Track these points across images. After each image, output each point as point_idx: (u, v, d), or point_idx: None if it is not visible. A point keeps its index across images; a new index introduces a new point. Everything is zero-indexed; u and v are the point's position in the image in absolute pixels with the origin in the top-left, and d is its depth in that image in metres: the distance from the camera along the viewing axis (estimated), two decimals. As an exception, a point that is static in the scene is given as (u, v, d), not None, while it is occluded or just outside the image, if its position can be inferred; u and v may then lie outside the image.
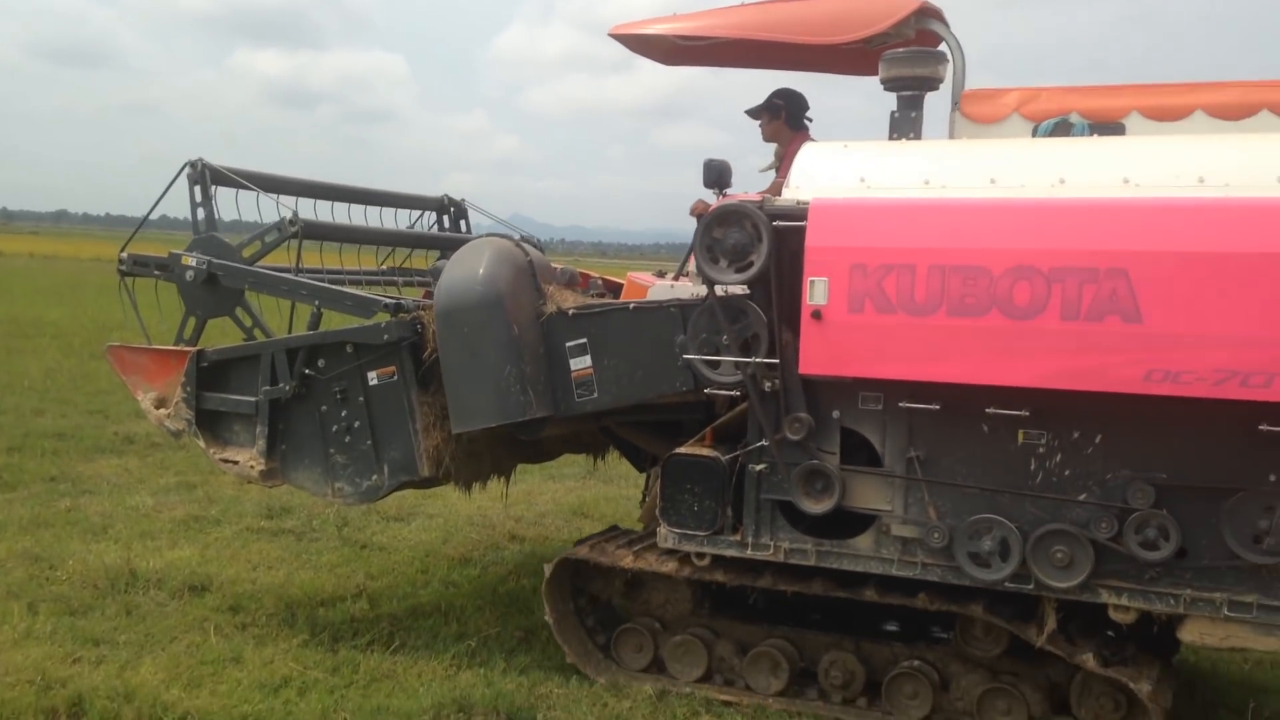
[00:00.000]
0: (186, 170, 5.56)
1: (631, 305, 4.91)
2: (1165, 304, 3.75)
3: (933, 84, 5.16)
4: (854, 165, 4.43)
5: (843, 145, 4.60)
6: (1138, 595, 4.05)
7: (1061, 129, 4.88)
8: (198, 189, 5.53)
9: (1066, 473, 4.12)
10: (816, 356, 4.26)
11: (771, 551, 4.59)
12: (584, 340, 4.95)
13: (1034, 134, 4.89)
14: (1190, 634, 4.02)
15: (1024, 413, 4.11)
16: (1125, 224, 3.83)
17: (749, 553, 4.64)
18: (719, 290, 4.47)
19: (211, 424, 5.53)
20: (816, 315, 4.21)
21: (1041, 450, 4.15)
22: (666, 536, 4.78)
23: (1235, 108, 4.83)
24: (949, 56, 5.16)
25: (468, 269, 4.98)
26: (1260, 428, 3.76)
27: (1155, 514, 3.97)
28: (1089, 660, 4.23)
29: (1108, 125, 4.85)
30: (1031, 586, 4.17)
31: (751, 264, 4.33)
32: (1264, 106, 4.81)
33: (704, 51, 5.86)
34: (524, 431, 5.07)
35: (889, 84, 5.11)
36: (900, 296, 4.09)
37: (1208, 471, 3.95)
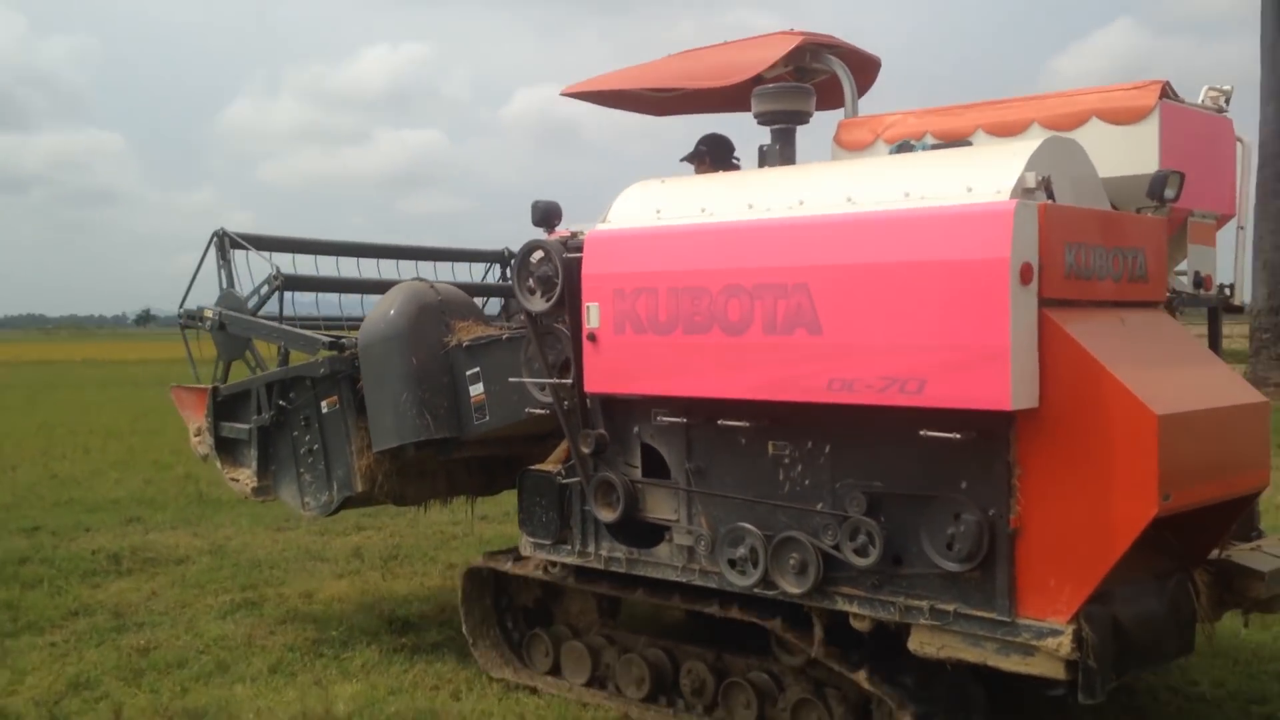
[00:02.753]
0: (214, 238, 7.18)
1: (505, 336, 5.82)
2: (838, 315, 4.16)
3: (802, 118, 5.71)
4: (655, 199, 5.12)
5: (660, 182, 5.29)
6: (866, 603, 4.37)
7: (903, 151, 5.27)
8: (217, 253, 7.12)
9: (807, 482, 4.53)
10: (595, 375, 4.98)
11: (594, 559, 5.29)
12: (477, 369, 5.93)
13: None
14: (914, 644, 4.26)
15: (759, 424, 4.59)
16: (806, 241, 4.28)
17: (578, 560, 5.36)
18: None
19: (227, 449, 7.05)
20: (591, 337, 4.95)
21: (787, 461, 4.59)
22: (524, 544, 5.61)
23: (1068, 117, 5.03)
24: (811, 92, 5.68)
25: (383, 309, 6.14)
26: (921, 433, 4.04)
27: (865, 521, 4.29)
28: (860, 676, 4.55)
29: (957, 142, 5.18)
30: (775, 593, 4.59)
31: (554, 293, 5.14)
32: (1092, 114, 4.98)
33: (637, 101, 6.71)
34: (439, 451, 6.10)
35: (760, 118, 5.73)
36: (649, 317, 4.74)
37: (910, 479, 4.23)
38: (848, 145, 5.71)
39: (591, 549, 5.31)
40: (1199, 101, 5.33)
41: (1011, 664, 4.00)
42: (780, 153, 5.68)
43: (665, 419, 4.92)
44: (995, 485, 3.99)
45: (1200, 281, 5.14)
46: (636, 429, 5.09)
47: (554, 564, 5.53)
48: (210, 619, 7.20)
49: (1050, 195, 4.06)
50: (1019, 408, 3.80)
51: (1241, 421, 4.15)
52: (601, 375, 4.96)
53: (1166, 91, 4.91)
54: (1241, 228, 5.40)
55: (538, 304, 5.19)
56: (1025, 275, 3.80)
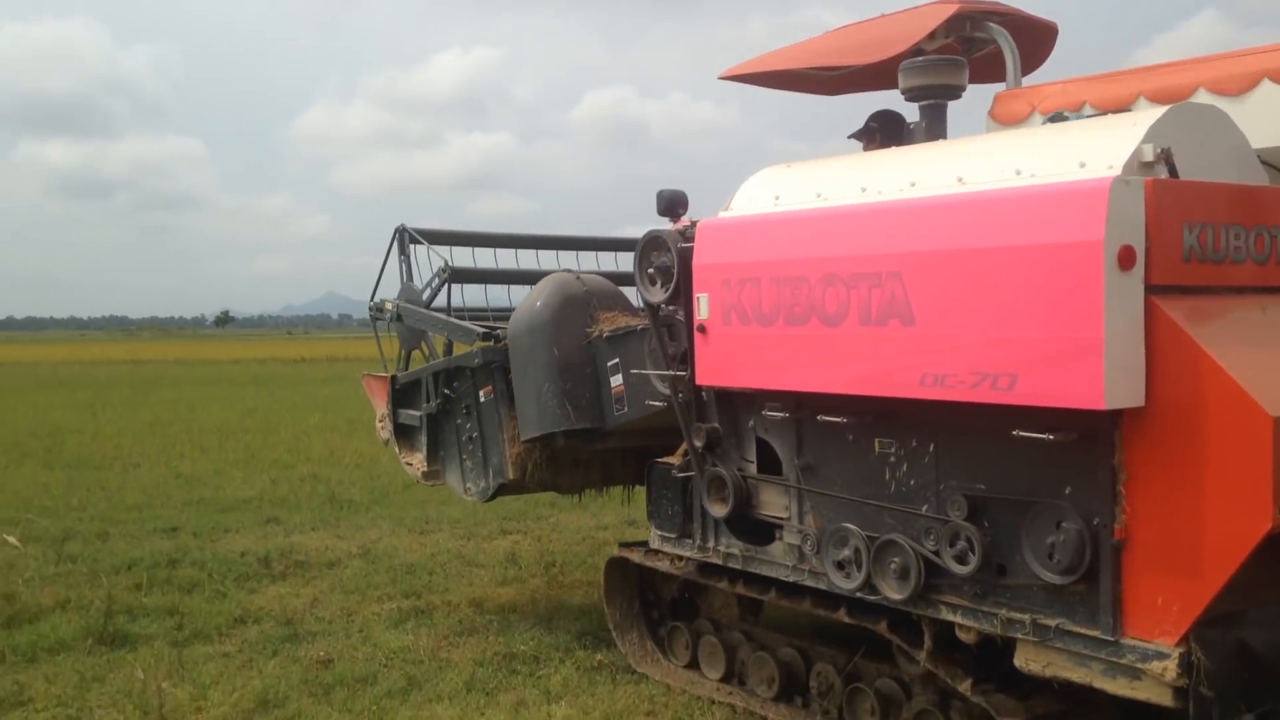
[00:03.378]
0: (396, 234, 7.62)
1: (639, 327, 5.87)
2: (930, 306, 3.94)
3: (953, 92, 5.44)
4: (776, 184, 5.03)
5: (786, 166, 5.19)
6: (969, 614, 4.13)
7: (1056, 123, 4.94)
8: (397, 248, 7.56)
9: (912, 483, 4.32)
10: (705, 367, 4.95)
11: (713, 554, 5.27)
12: (617, 360, 6.03)
13: None
14: (1020, 660, 3.99)
15: (863, 421, 4.42)
16: (899, 227, 4.07)
17: (698, 555, 5.36)
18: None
19: (405, 434, 7.48)
20: (701, 329, 4.92)
21: (893, 460, 4.40)
22: (653, 537, 5.66)
23: (1236, 79, 4.55)
24: (963, 64, 5.40)
25: (530, 301, 6.33)
26: (1014, 433, 3.76)
27: (965, 526, 4.05)
28: (966, 686, 4.32)
29: (1118, 111, 4.81)
30: (878, 598, 4.42)
31: (671, 284, 5.15)
32: (1264, 76, 4.48)
33: (799, 81, 6.57)
34: (584, 440, 6.25)
35: (908, 94, 5.51)
36: (753, 308, 4.66)
37: (1011, 484, 3.95)
38: (1002, 119, 5.39)
39: (711, 544, 5.29)
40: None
41: (1118, 687, 3.68)
42: (928, 130, 5.43)
43: (775, 413, 4.83)
44: (1099, 492, 3.67)
45: None
46: (751, 423, 5.02)
47: (680, 558, 5.55)
48: (382, 628, 7.00)
49: (1172, 169, 3.68)
50: (1114, 406, 3.48)
51: None
52: (711, 367, 4.93)
53: (1351, 42, 4.34)
54: None
55: (657, 294, 5.20)
56: (1125, 260, 3.47)
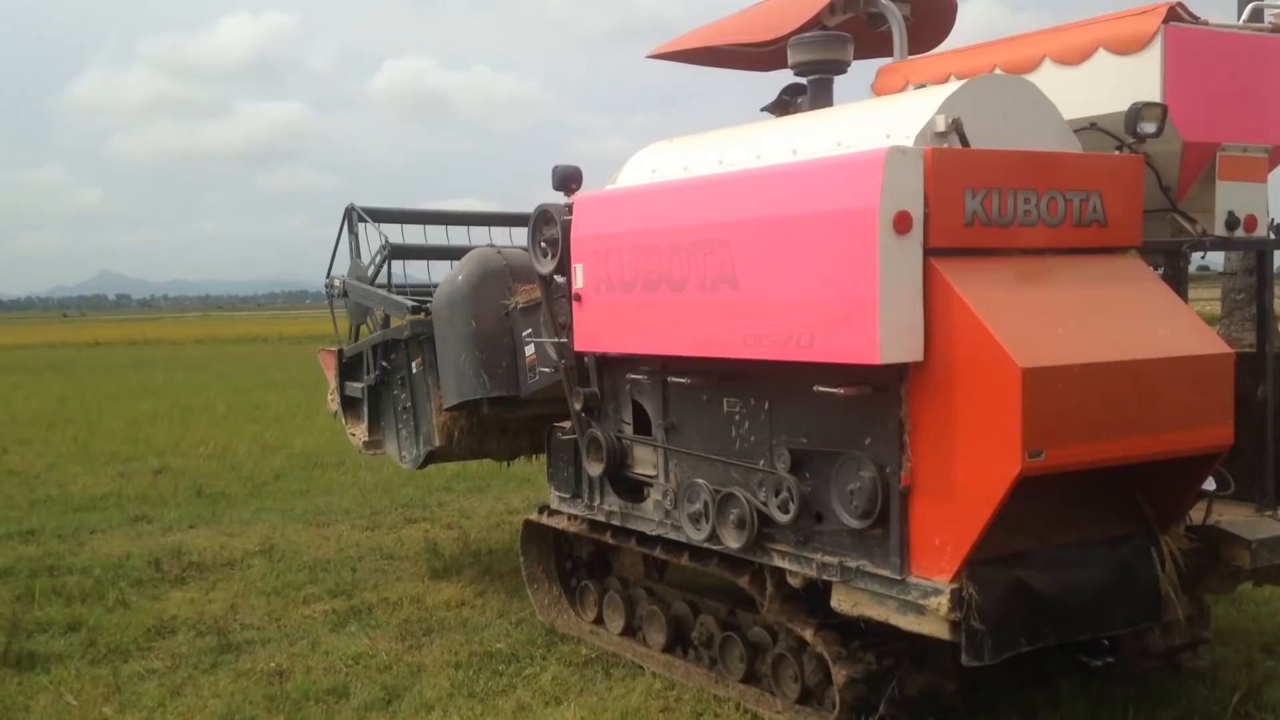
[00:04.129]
0: (346, 213, 8.06)
1: (559, 298, 6.23)
2: (750, 271, 4.28)
3: (839, 67, 5.72)
4: (654, 159, 5.38)
5: (669, 142, 5.53)
6: (794, 559, 4.46)
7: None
8: (347, 226, 7.99)
9: (752, 439, 4.66)
10: (581, 334, 5.32)
11: (598, 512, 5.64)
12: (530, 330, 6.41)
13: None
14: (835, 601, 4.31)
15: (712, 382, 4.76)
16: (726, 197, 4.41)
17: (586, 513, 5.73)
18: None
19: (350, 406, 7.93)
20: (577, 298, 5.29)
21: (737, 418, 4.74)
22: (552, 498, 6.05)
23: (1075, 50, 4.81)
24: (847, 40, 5.68)
25: (452, 276, 6.73)
26: (815, 389, 4.09)
27: (786, 478, 4.39)
28: (809, 632, 4.66)
29: None
30: (720, 547, 4.76)
31: (558, 255, 5.51)
32: (1099, 45, 4.73)
33: (725, 57, 6.86)
34: (505, 408, 6.64)
35: (796, 69, 5.80)
36: (618, 277, 5.02)
37: (825, 437, 4.28)
38: (880, 92, 5.66)
39: (596, 502, 5.66)
40: (1240, 21, 4.90)
41: (907, 623, 4.00)
42: (813, 103, 5.71)
43: (644, 377, 5.19)
44: (889, 442, 4.00)
45: (1235, 222, 4.74)
46: (627, 387, 5.38)
47: (574, 516, 5.93)
48: (325, 633, 6.46)
49: (963, 138, 3.99)
50: (889, 361, 3.79)
51: (1184, 374, 3.89)
52: (586, 334, 5.29)
53: (1177, 14, 4.57)
54: (1304, 160, 4.90)
55: (546, 266, 5.58)
56: (901, 224, 3.77)
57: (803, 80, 6.62)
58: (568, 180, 5.76)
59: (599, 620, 6.29)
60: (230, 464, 12.90)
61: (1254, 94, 4.75)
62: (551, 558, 6.63)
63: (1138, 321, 3.97)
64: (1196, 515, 4.43)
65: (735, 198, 4.38)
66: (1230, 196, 4.75)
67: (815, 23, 5.79)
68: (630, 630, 6.07)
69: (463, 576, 7.70)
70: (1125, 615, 4.14)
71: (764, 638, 5.20)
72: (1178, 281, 4.64)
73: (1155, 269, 4.68)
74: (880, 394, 4.00)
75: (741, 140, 4.91)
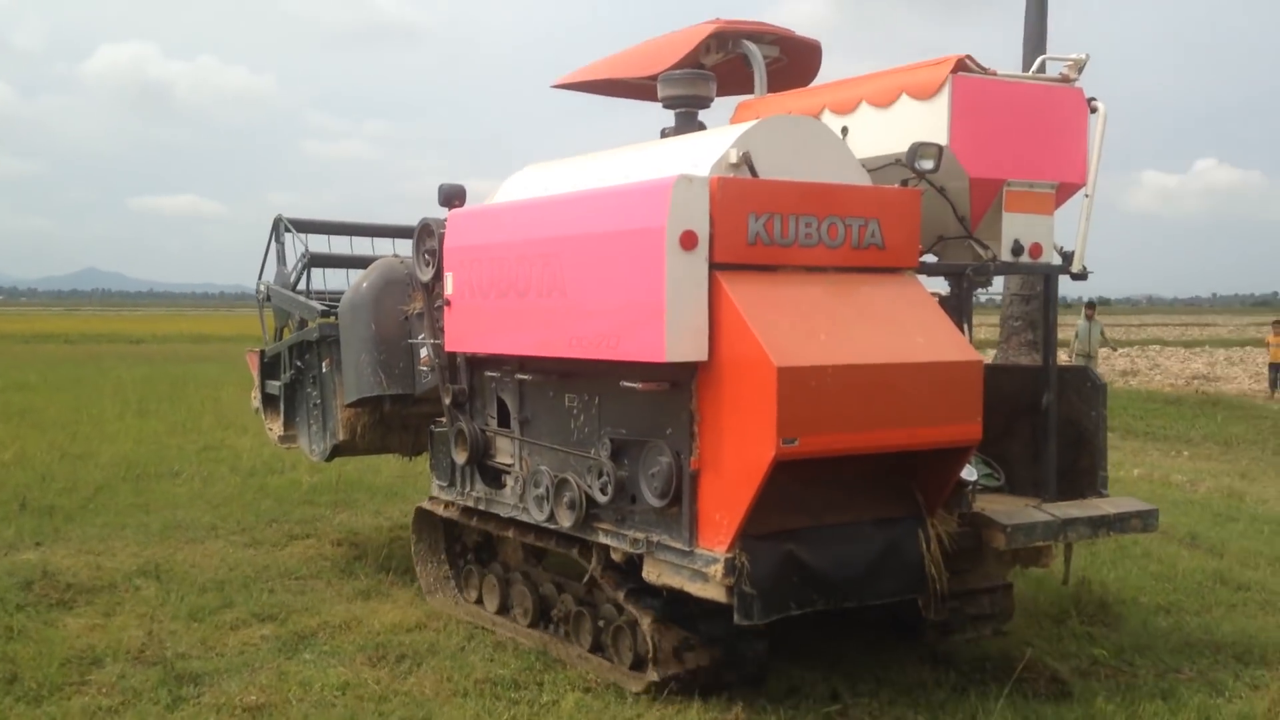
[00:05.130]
0: (274, 224, 8.67)
1: (438, 304, 6.86)
2: (573, 281, 4.91)
3: (702, 102, 6.37)
4: (527, 180, 6.00)
5: (545, 164, 6.16)
6: (614, 536, 5.07)
7: None
8: (273, 235, 8.60)
9: (586, 430, 5.27)
10: (451, 336, 5.93)
11: (468, 498, 6.24)
12: (423, 335, 7.02)
13: None
14: (645, 572, 4.92)
15: (554, 379, 5.38)
16: (558, 216, 5.04)
17: (459, 499, 6.33)
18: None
19: (270, 403, 8.52)
20: (448, 303, 5.91)
21: (575, 411, 5.35)
22: (433, 486, 6.65)
23: (885, 93, 5.46)
24: (710, 78, 6.31)
25: (358, 282, 7.33)
26: (621, 384, 4.71)
27: (605, 464, 5.00)
28: (620, 595, 5.25)
29: None
30: (556, 526, 5.37)
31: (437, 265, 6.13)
32: (902, 91, 5.38)
33: (626, 88, 7.50)
34: (404, 406, 7.23)
35: (665, 102, 6.45)
36: (479, 284, 5.64)
37: (637, 427, 4.90)
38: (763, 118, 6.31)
39: (467, 489, 6.26)
40: (1030, 72, 5.56)
41: (695, 589, 4.60)
42: (678, 132, 6.35)
43: (502, 375, 5.80)
44: (683, 431, 4.61)
45: (1019, 249, 5.38)
46: (492, 384, 5.99)
47: (450, 503, 6.53)
48: (279, 660, 5.80)
49: (752, 170, 4.62)
50: (675, 360, 4.41)
51: (935, 377, 4.51)
52: (455, 335, 5.91)
53: (965, 65, 5.23)
54: (1087, 195, 5.55)
55: (427, 274, 6.20)
56: (687, 242, 4.40)
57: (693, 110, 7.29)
58: (451, 197, 6.39)
59: (479, 601, 6.86)
60: (39, 474, 11.20)
61: (1040, 136, 5.41)
62: (441, 542, 7.21)
63: (898, 331, 4.60)
64: (981, 507, 5.07)
65: (564, 216, 5.01)
66: (1016, 226, 5.40)
67: (692, 60, 6.45)
68: (505, 609, 6.65)
69: (392, 597, 7.05)
70: (892, 586, 4.76)
71: (612, 613, 5.80)
72: (962, 300, 5.29)
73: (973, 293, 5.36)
74: (676, 389, 4.62)
75: (593, 166, 5.55)
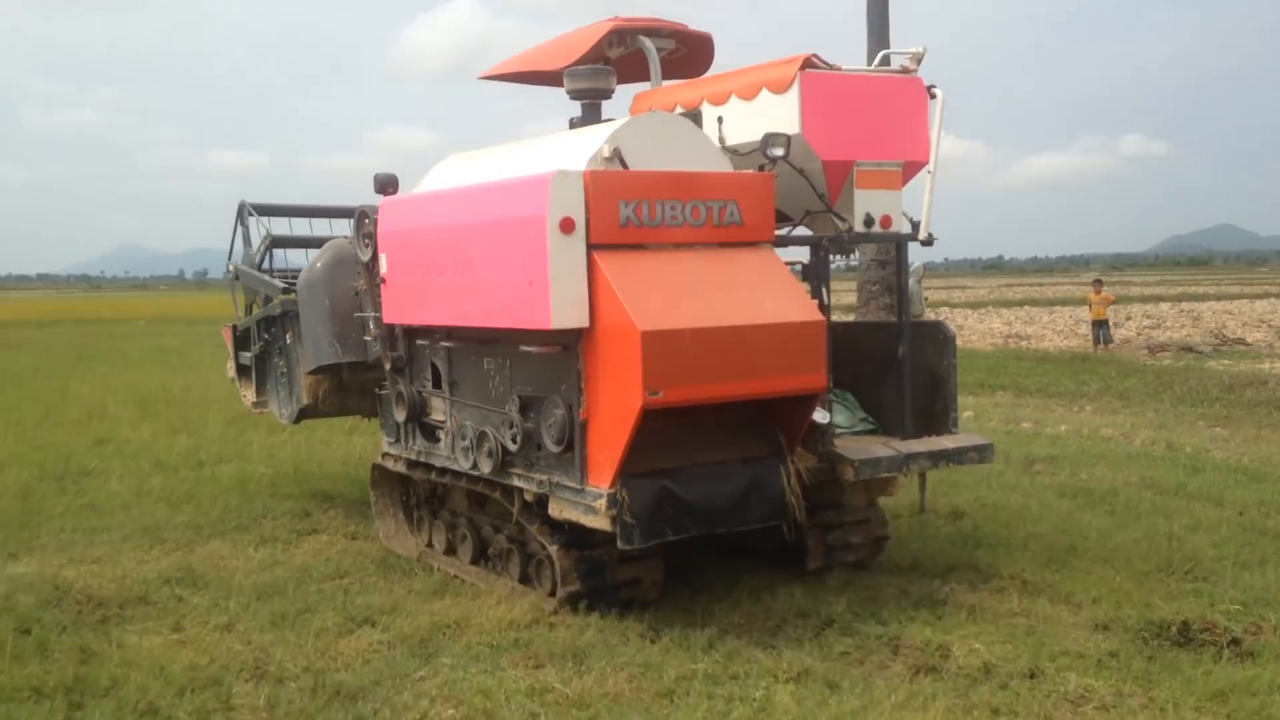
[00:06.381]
0: (238, 209, 9.43)
1: (377, 282, 7.64)
2: (481, 261, 5.70)
3: (604, 94, 7.11)
4: (449, 169, 6.77)
5: (466, 154, 6.92)
6: (525, 479, 5.90)
7: None
8: (238, 220, 9.37)
9: (501, 390, 6.09)
10: (388, 310, 6.74)
11: (410, 451, 7.07)
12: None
13: None
14: (550, 509, 5.75)
15: (474, 344, 6.18)
16: (469, 204, 5.83)
17: (404, 453, 7.16)
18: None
19: (244, 373, 9.34)
20: (383, 280, 6.70)
21: (493, 373, 6.16)
22: (383, 442, 7.47)
23: (750, 88, 6.20)
24: (611, 72, 7.04)
25: (314, 261, 8.12)
26: (521, 348, 5.52)
27: (515, 417, 5.82)
28: (536, 529, 6.07)
29: (690, 113, 6.47)
30: (479, 473, 6.20)
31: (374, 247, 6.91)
32: (763, 86, 6.13)
33: (546, 78, 8.20)
34: (361, 371, 8.03)
35: (571, 94, 7.18)
36: (408, 264, 6.43)
37: (539, 385, 5.72)
38: (634, 114, 7.06)
39: (409, 444, 7.09)
40: (871, 66, 6.31)
41: (587, 520, 5.43)
42: (583, 123, 7.10)
43: (431, 342, 6.61)
44: (573, 387, 5.43)
45: (870, 221, 6.15)
46: (426, 351, 6.80)
47: (397, 457, 7.36)
48: (415, 665, 5.31)
49: (623, 162, 5.40)
50: (559, 327, 5.22)
51: (783, 336, 5.31)
52: (390, 309, 6.71)
53: (812, 62, 5.98)
54: (930, 172, 6.32)
55: (366, 255, 6.99)
56: (566, 226, 5.19)
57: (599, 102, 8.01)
58: (385, 185, 7.16)
59: (430, 544, 7.71)
60: (10, 472, 10.41)
61: (885, 121, 6.17)
62: (396, 494, 8.04)
63: (752, 297, 5.40)
64: (839, 447, 5.89)
65: (471, 206, 5.80)
66: (867, 201, 6.17)
67: (596, 54, 7.18)
68: (451, 550, 7.49)
69: (468, 594, 6.54)
70: (756, 515, 5.58)
71: (536, 548, 6.64)
72: (820, 268, 6.08)
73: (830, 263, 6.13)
74: (566, 352, 5.44)
75: (501, 157, 6.32)
